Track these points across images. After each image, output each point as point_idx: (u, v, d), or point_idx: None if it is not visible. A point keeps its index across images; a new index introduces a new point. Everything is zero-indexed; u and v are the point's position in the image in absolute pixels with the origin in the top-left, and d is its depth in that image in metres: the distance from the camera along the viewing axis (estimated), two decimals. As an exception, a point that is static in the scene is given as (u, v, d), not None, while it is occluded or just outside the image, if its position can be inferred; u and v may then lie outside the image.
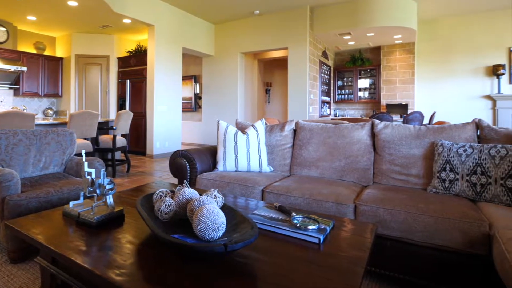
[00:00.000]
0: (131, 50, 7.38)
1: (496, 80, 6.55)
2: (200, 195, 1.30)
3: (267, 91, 9.58)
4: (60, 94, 7.56)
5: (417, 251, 1.58)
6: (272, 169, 2.54)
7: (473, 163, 1.82)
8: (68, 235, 1.25)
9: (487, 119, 6.68)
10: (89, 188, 1.43)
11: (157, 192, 1.37)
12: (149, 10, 5.89)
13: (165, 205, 1.25)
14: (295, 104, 6.64)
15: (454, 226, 1.50)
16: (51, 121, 4.59)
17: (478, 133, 2.09)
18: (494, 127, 2.05)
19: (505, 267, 1.19)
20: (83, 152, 1.60)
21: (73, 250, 1.10)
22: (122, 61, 7.40)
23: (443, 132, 2.10)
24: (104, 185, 1.41)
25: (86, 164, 1.47)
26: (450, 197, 1.81)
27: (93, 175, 1.45)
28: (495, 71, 6.49)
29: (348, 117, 8.32)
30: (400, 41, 7.27)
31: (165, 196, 1.35)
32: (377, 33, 6.60)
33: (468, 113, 6.75)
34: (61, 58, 7.56)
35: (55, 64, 7.43)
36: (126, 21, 6.06)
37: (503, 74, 6.43)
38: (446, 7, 6.44)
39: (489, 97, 6.70)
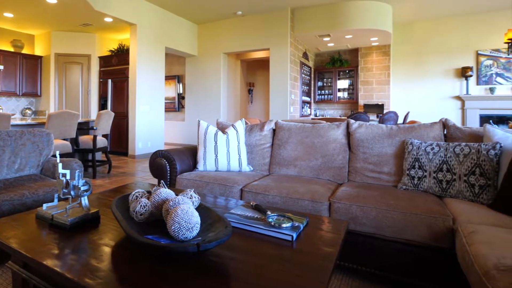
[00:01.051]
0: (113, 49, 7.20)
1: (464, 82, 6.82)
2: (177, 195, 1.29)
3: (250, 91, 9.58)
4: (39, 94, 7.27)
5: (388, 246, 1.63)
6: (252, 169, 2.55)
7: (439, 160, 1.89)
8: (41, 239, 1.21)
9: (457, 119, 6.95)
10: (64, 190, 1.39)
11: (133, 193, 1.34)
12: (131, 9, 5.76)
13: (140, 206, 1.23)
14: (277, 104, 6.68)
15: (421, 221, 1.55)
16: (29, 121, 4.41)
17: (445, 132, 2.17)
18: (459, 126, 2.14)
19: (465, 260, 1.24)
20: (57, 153, 1.54)
21: (44, 254, 1.06)
22: (103, 60, 7.20)
23: (413, 131, 2.17)
24: (79, 186, 1.37)
25: (60, 165, 1.42)
26: (419, 194, 1.87)
27: (68, 177, 1.41)
28: (463, 73, 6.75)
29: (328, 116, 8.45)
30: (376, 44, 7.44)
31: (141, 197, 1.33)
32: (354, 35, 6.73)
33: (439, 112, 7.00)
34: (40, 57, 7.27)
35: (34, 63, 7.14)
36: (108, 19, 5.90)
37: (471, 76, 6.70)
38: (420, 11, 6.64)
39: (458, 97, 6.98)
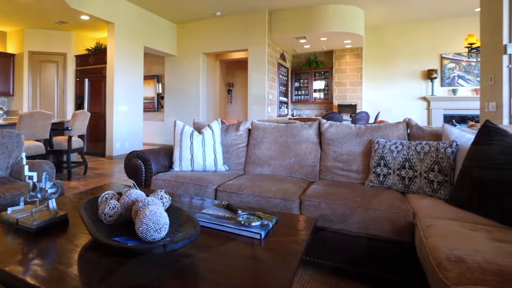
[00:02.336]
0: (90, 48, 6.93)
1: (430, 83, 7.13)
2: (148, 196, 1.26)
3: (229, 92, 9.53)
4: (11, 93, 6.88)
5: (354, 241, 1.67)
6: (227, 168, 2.54)
7: (402, 158, 1.96)
8: (3, 244, 1.15)
9: (423, 119, 7.25)
10: (30, 193, 1.32)
11: (103, 194, 1.30)
12: (109, 7, 5.56)
13: (109, 207, 1.19)
14: (255, 104, 6.69)
15: (384, 216, 1.60)
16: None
17: (408, 131, 2.26)
18: (420, 125, 2.23)
19: (422, 252, 1.29)
20: (23, 154, 1.47)
21: (7, 260, 1.01)
22: (80, 59, 6.92)
23: (379, 130, 2.24)
24: (46, 189, 1.31)
25: (26, 167, 1.35)
26: (384, 190, 1.94)
27: (35, 179, 1.34)
28: (429, 75, 7.05)
29: (304, 116, 8.56)
30: (350, 46, 7.61)
31: (111, 199, 1.29)
32: (329, 38, 6.84)
33: (408, 113, 7.28)
34: (13, 55, 6.88)
35: (6, 61, 6.75)
36: (84, 17, 5.67)
37: (435, 78, 7.01)
38: (389, 16, 6.86)
39: (424, 98, 7.28)
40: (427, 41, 7.18)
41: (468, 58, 6.53)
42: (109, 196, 1.31)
